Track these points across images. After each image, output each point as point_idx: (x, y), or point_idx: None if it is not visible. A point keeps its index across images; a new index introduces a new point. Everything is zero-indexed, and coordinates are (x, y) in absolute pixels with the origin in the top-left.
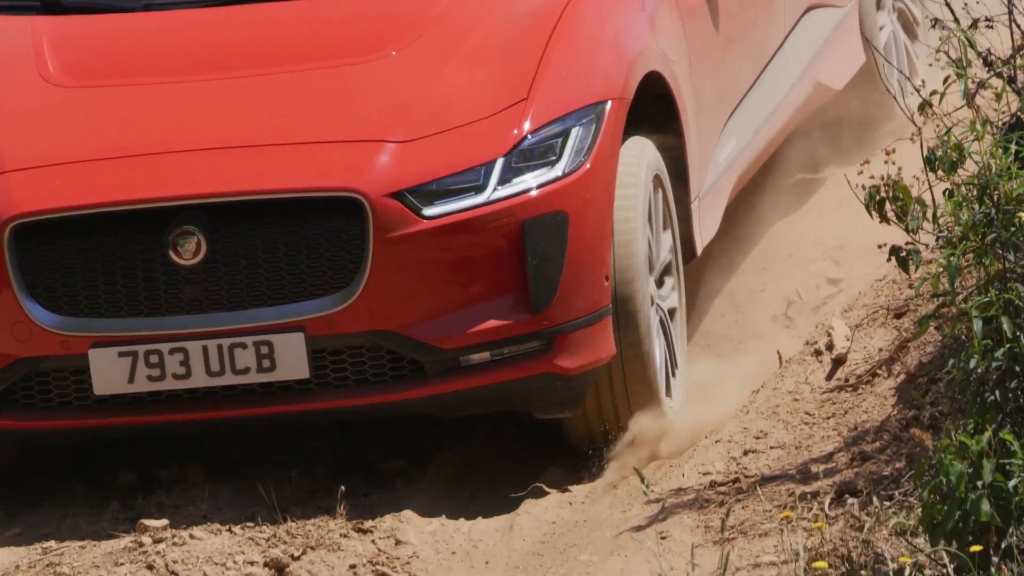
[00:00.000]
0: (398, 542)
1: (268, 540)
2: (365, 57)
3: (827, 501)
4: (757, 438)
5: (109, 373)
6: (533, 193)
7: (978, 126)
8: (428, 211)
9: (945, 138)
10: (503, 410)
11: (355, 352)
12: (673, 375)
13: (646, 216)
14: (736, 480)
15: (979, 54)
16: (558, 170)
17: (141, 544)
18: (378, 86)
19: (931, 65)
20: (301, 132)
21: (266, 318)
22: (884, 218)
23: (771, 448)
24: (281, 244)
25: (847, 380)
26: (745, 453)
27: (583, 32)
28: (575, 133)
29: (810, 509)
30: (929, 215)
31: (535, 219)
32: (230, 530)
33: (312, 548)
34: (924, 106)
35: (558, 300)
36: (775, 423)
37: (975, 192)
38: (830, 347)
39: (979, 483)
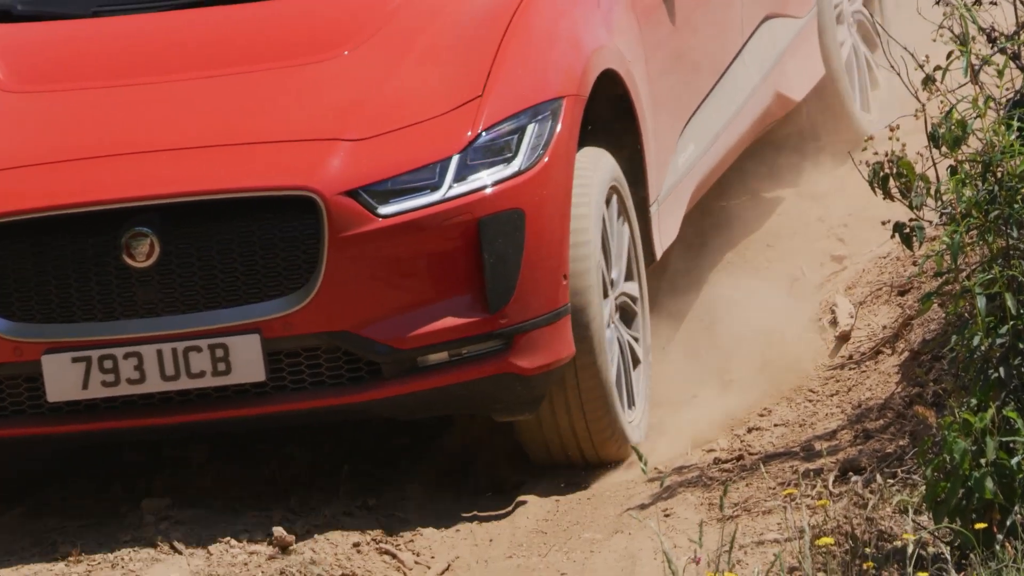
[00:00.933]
0: (402, 520)
1: (272, 518)
2: (317, 57)
3: (831, 478)
4: (761, 415)
5: (63, 379)
6: (489, 191)
7: (981, 103)
8: (383, 210)
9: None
10: (463, 412)
11: (311, 354)
12: (633, 386)
13: (600, 230)
14: (740, 458)
15: (982, 30)
16: (514, 167)
17: (145, 522)
18: (331, 85)
19: (934, 41)
20: (254, 132)
21: (221, 320)
22: (888, 195)
23: (775, 426)
24: (235, 245)
25: (851, 357)
26: (749, 431)
27: (538, 29)
28: (531, 130)
29: (814, 487)
30: (933, 192)
31: (491, 217)
32: (234, 509)
33: (316, 527)
34: (928, 81)
35: (516, 299)
36: (779, 400)
37: (979, 169)
38: (834, 324)
39: (982, 461)
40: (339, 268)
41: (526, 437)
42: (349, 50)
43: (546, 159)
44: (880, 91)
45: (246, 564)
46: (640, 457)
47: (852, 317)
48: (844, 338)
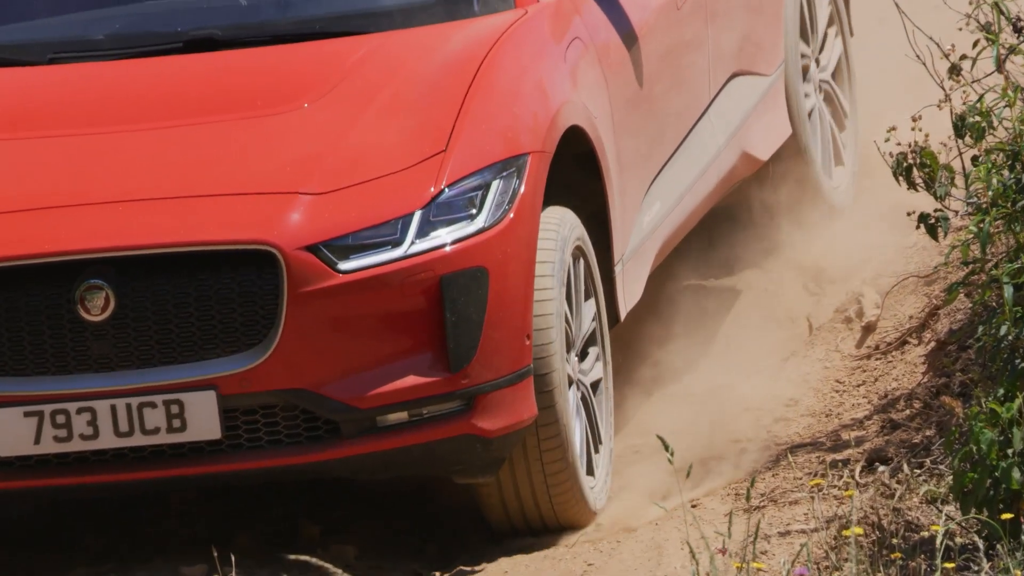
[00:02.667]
0: None
1: None
2: (277, 109)
3: (857, 469)
4: (787, 406)
5: (14, 434)
6: (452, 248)
7: (1009, 92)
8: (343, 265)
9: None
10: (422, 473)
11: (269, 411)
12: (596, 451)
13: (563, 291)
14: (766, 448)
15: (1010, 20)
16: (478, 224)
17: None
18: (291, 138)
19: (960, 30)
20: (212, 184)
21: (176, 376)
22: (912, 185)
23: (801, 416)
24: (192, 299)
25: (877, 348)
26: (775, 421)
27: (502, 83)
28: (495, 186)
29: (840, 477)
30: (958, 182)
31: (454, 274)
32: None
33: None
34: (954, 70)
35: (478, 359)
36: (805, 391)
37: (1005, 158)
38: (860, 315)
39: (1009, 451)
40: (298, 325)
41: (485, 500)
42: (309, 102)
43: (511, 216)
44: (844, 169)
45: None
46: (666, 447)
47: (878, 307)
48: (870, 328)
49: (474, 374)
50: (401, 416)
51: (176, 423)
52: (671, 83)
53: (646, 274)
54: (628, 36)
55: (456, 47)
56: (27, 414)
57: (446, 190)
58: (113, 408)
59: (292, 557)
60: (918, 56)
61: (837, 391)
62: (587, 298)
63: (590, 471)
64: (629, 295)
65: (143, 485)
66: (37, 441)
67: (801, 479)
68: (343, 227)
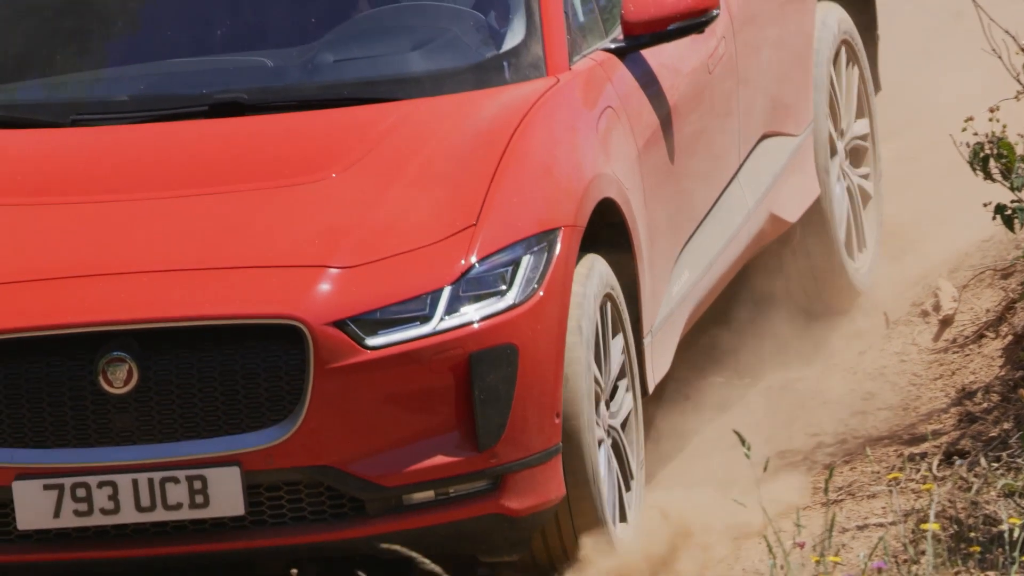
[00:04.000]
0: None
1: None
2: (304, 178)
3: (935, 462)
4: (865, 399)
5: (34, 507)
6: (481, 324)
7: None
8: (371, 341)
9: None
10: (447, 552)
11: (293, 488)
12: (627, 488)
13: (592, 342)
14: (844, 441)
15: None
16: (508, 300)
17: None
18: (318, 209)
19: None
20: (238, 256)
21: (200, 451)
22: (988, 176)
23: (879, 409)
24: (216, 373)
25: (954, 341)
26: (853, 414)
27: (534, 156)
28: (526, 262)
29: (918, 470)
30: None
31: (483, 351)
32: None
33: None
34: None
35: (507, 437)
36: (882, 384)
37: None
38: (937, 308)
39: None
40: (324, 401)
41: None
42: (337, 172)
43: (541, 293)
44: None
45: None
46: (743, 441)
47: (955, 301)
48: (947, 322)
49: (502, 453)
50: (427, 495)
51: (199, 499)
52: (702, 149)
53: (675, 344)
54: (660, 103)
55: (487, 116)
56: (47, 487)
57: (476, 265)
58: (135, 482)
59: None
60: (994, 49)
61: (914, 385)
62: (615, 336)
63: (623, 516)
64: (658, 367)
65: (164, 561)
66: (57, 515)
67: (879, 473)
68: (371, 302)
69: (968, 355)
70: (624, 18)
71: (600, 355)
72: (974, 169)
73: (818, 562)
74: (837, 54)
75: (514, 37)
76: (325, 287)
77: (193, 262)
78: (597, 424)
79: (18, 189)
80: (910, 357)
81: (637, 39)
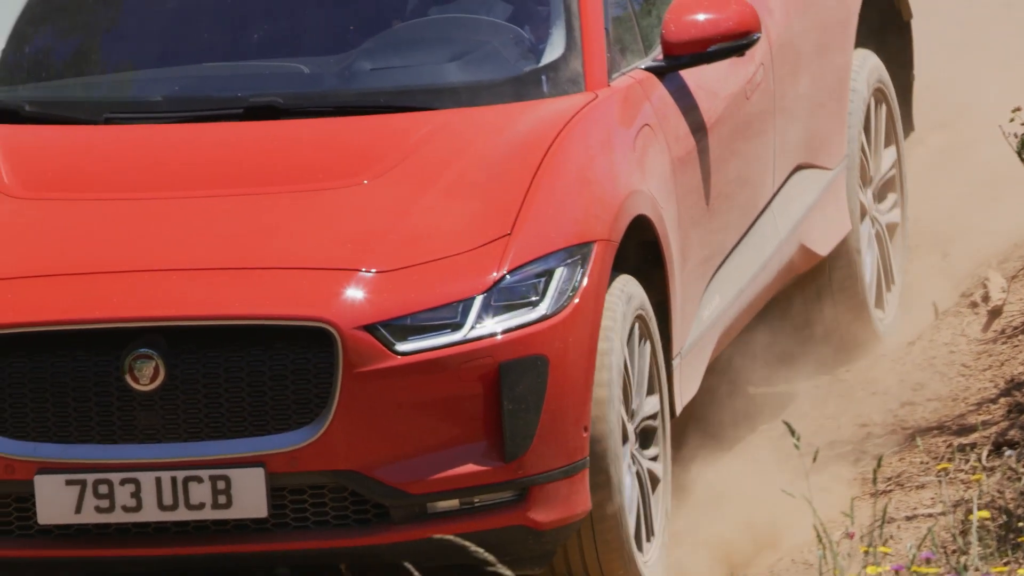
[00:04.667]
0: None
1: None
2: (336, 183)
3: (984, 453)
4: (914, 390)
5: (55, 502)
6: (512, 334)
7: None
8: (401, 347)
9: None
10: (470, 563)
11: (317, 492)
12: (650, 538)
13: (622, 361)
14: (893, 432)
15: None
16: (540, 311)
17: None
18: (350, 213)
19: None
20: (269, 257)
21: (224, 451)
22: None
23: (928, 400)
24: (244, 374)
25: (1003, 332)
26: (902, 405)
27: (571, 168)
28: (559, 274)
29: (967, 461)
30: None
31: (513, 362)
32: None
33: None
34: None
35: (534, 449)
36: (932, 375)
37: None
38: (986, 299)
39: None
40: (351, 405)
41: None
42: (369, 179)
43: (573, 305)
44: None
45: None
46: (792, 432)
47: (1004, 291)
48: (996, 312)
49: (529, 464)
50: (452, 504)
51: (222, 499)
52: (737, 175)
53: (703, 369)
54: (697, 125)
55: (524, 129)
56: (69, 482)
57: (509, 275)
58: (158, 480)
59: None
60: None
61: (963, 375)
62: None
63: (650, 534)
64: (686, 390)
65: (184, 562)
66: (78, 510)
67: (927, 463)
68: (402, 307)
69: (1017, 345)
70: (664, 38)
71: (629, 378)
72: (1022, 159)
73: (867, 552)
74: (869, 106)
75: (553, 51)
76: (356, 291)
77: (224, 262)
78: (624, 444)
79: (50, 184)
80: (959, 348)
81: (677, 59)
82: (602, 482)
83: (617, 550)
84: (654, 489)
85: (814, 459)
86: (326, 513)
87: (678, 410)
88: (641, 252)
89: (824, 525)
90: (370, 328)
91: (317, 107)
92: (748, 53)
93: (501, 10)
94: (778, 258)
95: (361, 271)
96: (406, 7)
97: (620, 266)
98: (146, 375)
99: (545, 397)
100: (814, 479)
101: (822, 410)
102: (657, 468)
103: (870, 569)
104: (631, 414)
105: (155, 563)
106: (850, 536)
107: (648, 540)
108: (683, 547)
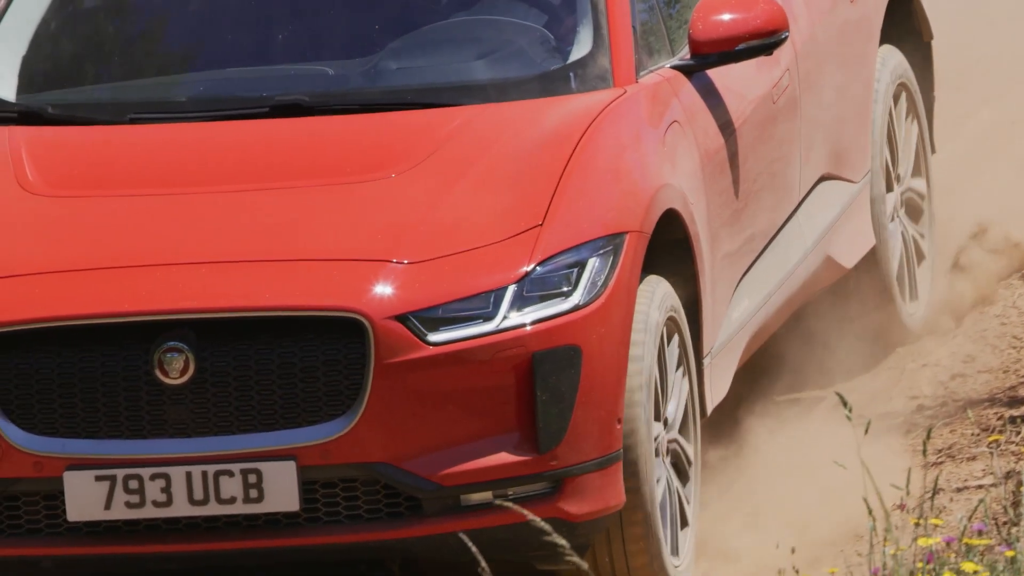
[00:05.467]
0: None
1: None
2: (363, 177)
3: None
4: (965, 362)
5: (85, 498)
6: (545, 324)
7: None
8: (433, 337)
9: None
10: (502, 556)
11: (349, 485)
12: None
13: (654, 356)
14: (943, 404)
15: None
16: (572, 302)
17: None
18: (380, 206)
19: None
20: (298, 248)
21: (255, 444)
22: None
23: (979, 372)
24: (274, 366)
25: None
26: (952, 377)
27: (601, 160)
28: (591, 264)
29: (1018, 433)
30: None
31: (546, 352)
32: None
33: None
34: None
35: (568, 440)
36: (983, 347)
37: None
38: None
39: None
40: (383, 396)
41: None
42: (397, 173)
43: (606, 296)
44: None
45: None
46: (844, 403)
47: None
48: None
49: (563, 456)
50: (485, 496)
51: (253, 493)
52: (765, 177)
53: (733, 370)
54: (725, 124)
55: (553, 123)
56: (99, 478)
57: (541, 265)
58: (188, 475)
59: None
60: None
61: (1014, 347)
62: (679, 371)
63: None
64: (716, 390)
65: (215, 557)
66: (108, 506)
67: (978, 435)
68: (434, 298)
69: None
70: (692, 36)
71: (662, 374)
72: None
73: (918, 524)
74: (896, 97)
75: (581, 48)
76: (387, 281)
77: (253, 254)
78: (655, 440)
79: (76, 181)
80: (1010, 320)
81: (705, 58)
82: (631, 477)
83: (646, 550)
84: (684, 485)
85: (866, 431)
86: (358, 507)
87: (708, 411)
88: (671, 253)
89: (879, 494)
90: (402, 318)
91: (343, 105)
92: (774, 57)
93: (527, 9)
94: (804, 266)
95: (392, 261)
96: (432, 10)
97: (650, 266)
98: (176, 368)
99: (579, 388)
100: (865, 451)
101: (872, 383)
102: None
103: (921, 540)
104: (662, 416)
105: (186, 559)
106: (902, 507)
107: (675, 552)
108: (733, 520)
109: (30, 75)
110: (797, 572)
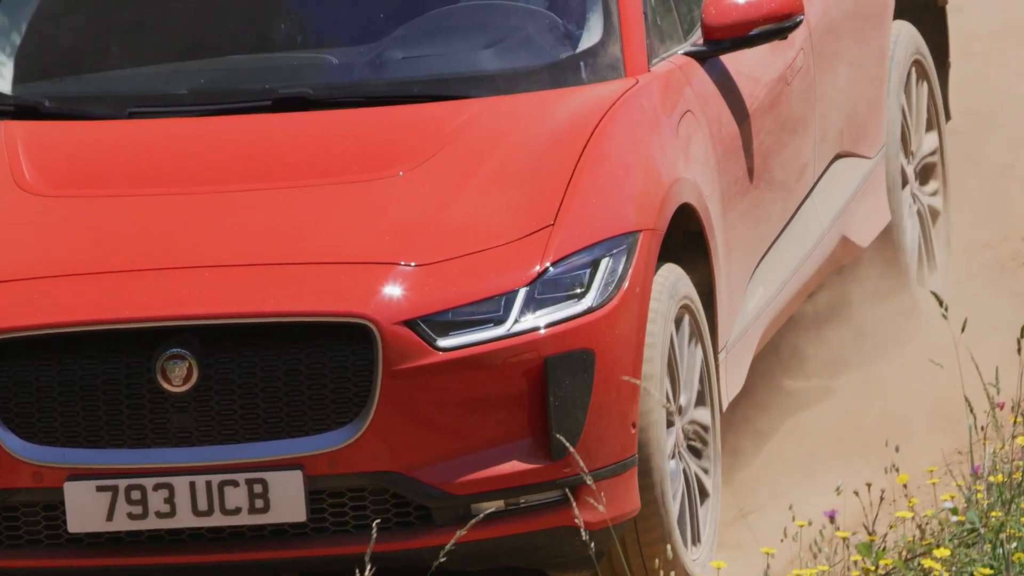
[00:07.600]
0: None
1: None
2: (370, 175)
3: None
4: None
5: (86, 509)
6: (557, 328)
7: None
8: (443, 342)
9: None
10: (515, 565)
11: (357, 494)
12: (697, 542)
13: (667, 353)
14: None
15: None
16: (585, 304)
17: None
18: (387, 206)
19: None
20: (303, 251)
21: (261, 454)
22: None
23: None
24: (280, 373)
25: None
26: None
27: (614, 156)
28: (605, 264)
29: None
30: None
31: (559, 356)
32: None
33: None
34: None
35: (581, 446)
36: None
37: None
38: None
39: None
40: (392, 403)
41: None
42: (405, 170)
43: (620, 297)
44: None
45: None
46: (940, 303)
47: None
48: None
49: (576, 463)
50: (497, 504)
51: (259, 503)
52: (779, 162)
53: (748, 362)
54: (739, 110)
55: (564, 116)
56: (100, 488)
57: (553, 267)
58: (192, 485)
59: None
60: None
61: None
62: (694, 359)
63: (697, 538)
64: (732, 384)
65: (220, 569)
66: (110, 518)
67: None
68: (443, 302)
69: None
70: (705, 22)
71: (676, 368)
72: None
73: (1015, 422)
74: (908, 74)
75: (591, 37)
76: (395, 285)
77: (257, 257)
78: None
79: (74, 180)
80: None
81: (718, 43)
82: (645, 481)
83: (661, 552)
84: (701, 494)
85: (963, 328)
86: (366, 516)
87: (724, 405)
88: (685, 243)
89: (986, 389)
90: (410, 323)
91: (348, 97)
92: (788, 37)
93: None
94: (821, 249)
95: (400, 264)
96: None
97: (664, 255)
98: (179, 376)
99: (592, 392)
100: (962, 350)
101: (972, 281)
102: (707, 466)
103: (1021, 439)
104: (679, 410)
105: (189, 571)
106: (1000, 406)
107: (696, 541)
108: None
109: (26, 65)
110: (896, 469)
